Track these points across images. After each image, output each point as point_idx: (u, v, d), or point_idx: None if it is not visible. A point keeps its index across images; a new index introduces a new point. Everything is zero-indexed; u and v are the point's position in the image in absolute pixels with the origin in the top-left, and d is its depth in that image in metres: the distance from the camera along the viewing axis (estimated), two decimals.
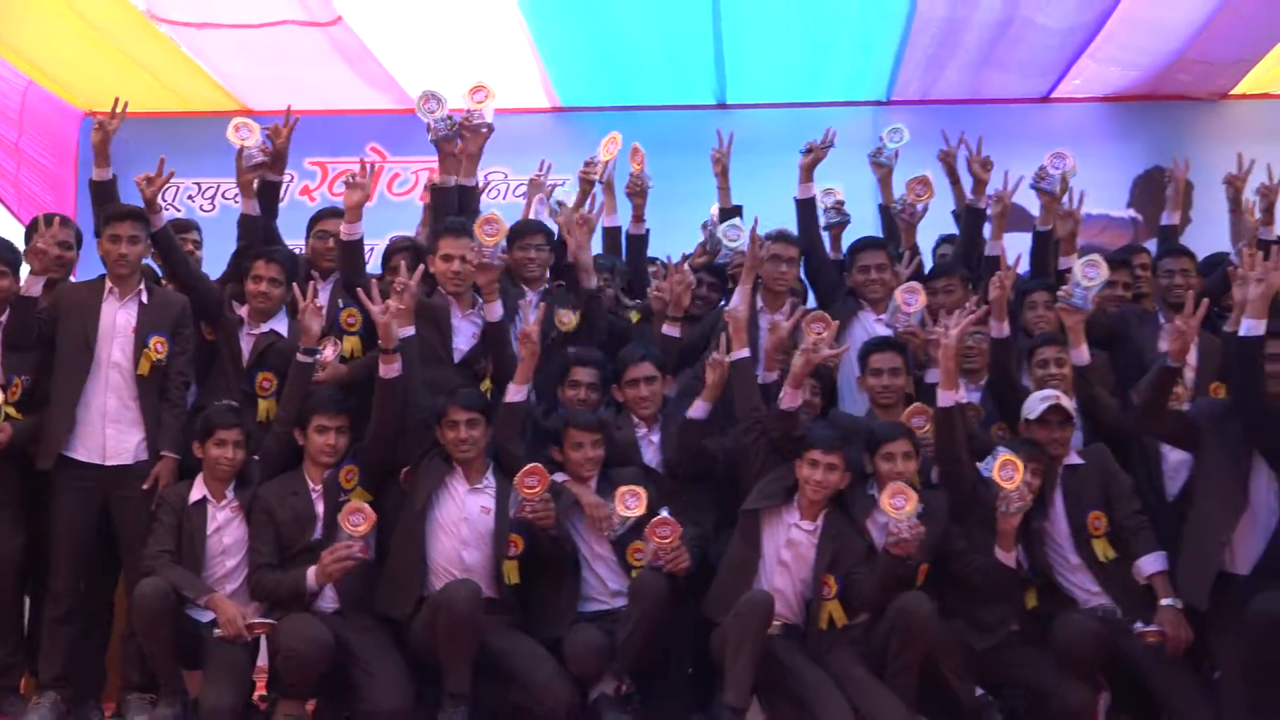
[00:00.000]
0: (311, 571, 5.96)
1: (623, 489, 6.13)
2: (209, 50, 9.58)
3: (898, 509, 5.78)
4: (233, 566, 6.18)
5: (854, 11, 9.12)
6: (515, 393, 6.37)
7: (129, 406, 6.34)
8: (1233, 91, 10.43)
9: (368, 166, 6.99)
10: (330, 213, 7.27)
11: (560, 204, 7.87)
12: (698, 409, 6.38)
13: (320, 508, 6.18)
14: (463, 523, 6.21)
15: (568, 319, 6.99)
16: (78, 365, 6.31)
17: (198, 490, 6.19)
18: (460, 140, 7.20)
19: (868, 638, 6.02)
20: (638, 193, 7.95)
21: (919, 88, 10.32)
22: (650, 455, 6.66)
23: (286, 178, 7.68)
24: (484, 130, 7.22)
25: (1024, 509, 5.94)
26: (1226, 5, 8.83)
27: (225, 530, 6.19)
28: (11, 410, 6.22)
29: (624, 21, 9.27)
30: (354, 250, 6.71)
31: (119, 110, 6.77)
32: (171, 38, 9.32)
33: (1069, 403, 6.29)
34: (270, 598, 6.08)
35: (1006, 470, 5.90)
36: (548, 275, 7.31)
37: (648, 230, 8.08)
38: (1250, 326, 5.81)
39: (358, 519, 5.91)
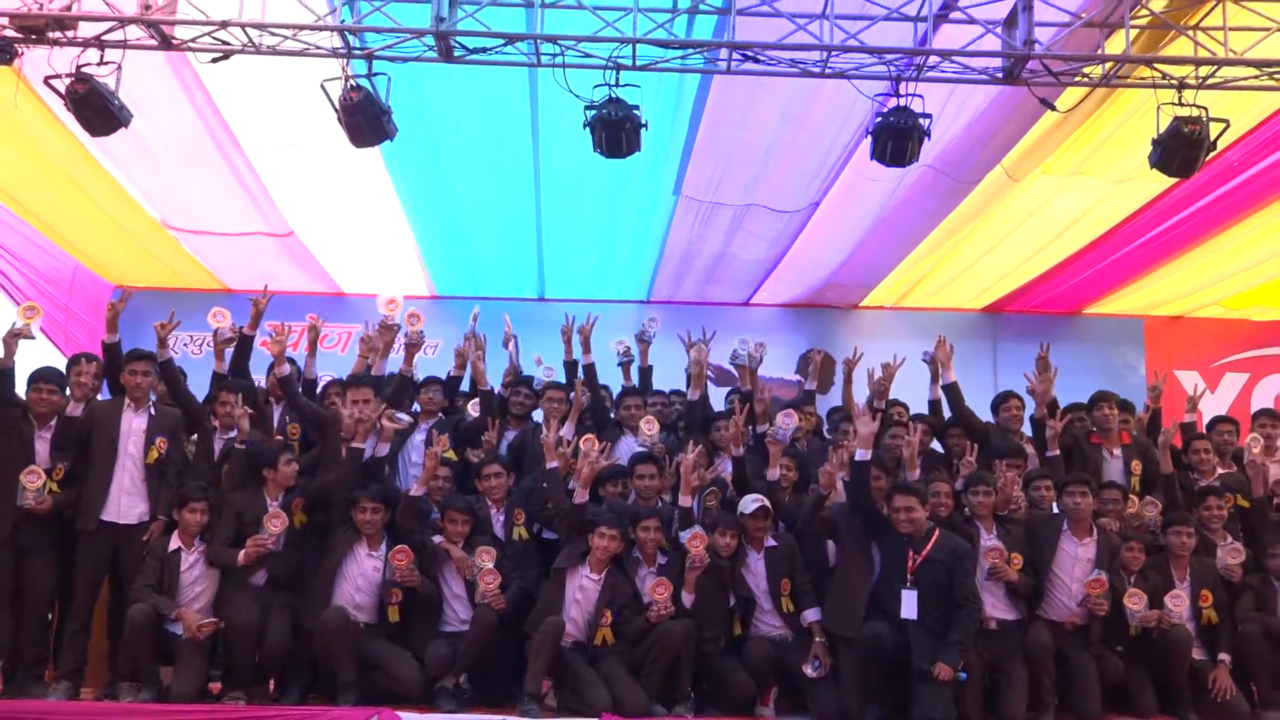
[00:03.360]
0: (241, 553, 5.98)
1: (480, 548, 6.15)
2: (202, 248, 9.40)
3: (660, 595, 5.93)
4: (199, 592, 6.05)
5: (627, 241, 9.24)
6: (416, 490, 6.33)
7: (137, 485, 6.23)
8: (860, 304, 10.70)
9: (284, 329, 6.77)
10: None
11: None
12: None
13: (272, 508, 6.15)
14: (360, 577, 6.18)
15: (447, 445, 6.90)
16: (106, 456, 6.19)
17: (174, 542, 6.06)
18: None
19: (632, 652, 6.03)
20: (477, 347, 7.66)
21: (668, 292, 10.40)
22: (498, 528, 6.57)
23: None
24: (395, 328, 7.19)
25: (702, 567, 6.01)
26: (856, 252, 9.22)
27: (194, 569, 6.06)
28: (54, 486, 6.08)
29: (479, 239, 9.29)
30: (287, 382, 6.61)
31: (123, 300, 6.78)
32: (176, 238, 9.16)
33: (768, 504, 6.33)
34: (217, 563, 6.07)
35: (695, 542, 5.99)
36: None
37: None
38: (861, 454, 6.06)
39: (276, 523, 5.98)
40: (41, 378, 6.25)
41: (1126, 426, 7.55)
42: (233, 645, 5.98)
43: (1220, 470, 7.32)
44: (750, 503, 6.31)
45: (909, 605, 5.87)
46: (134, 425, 6.28)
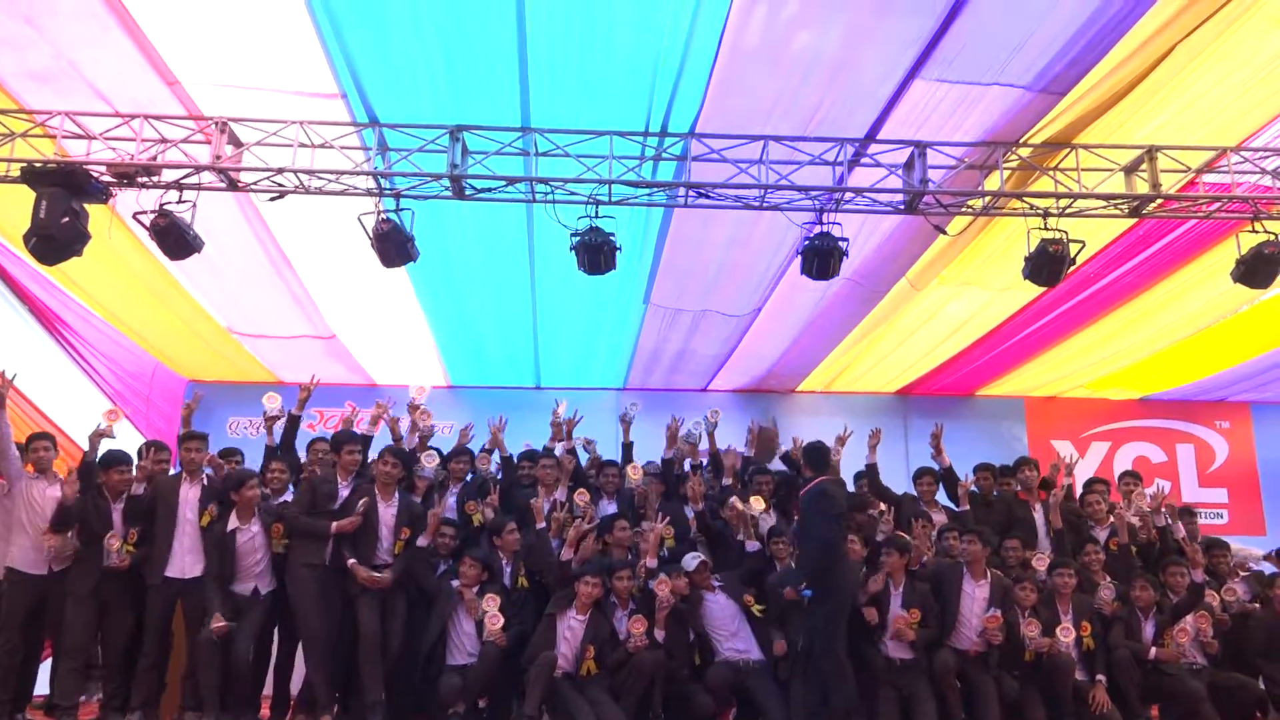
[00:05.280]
0: (334, 524, 5.95)
1: (489, 595, 6.01)
2: (260, 349, 9.32)
3: (637, 629, 5.82)
4: (257, 559, 6.03)
5: (606, 340, 9.20)
6: (422, 540, 6.23)
7: (196, 544, 6.06)
8: (797, 389, 10.66)
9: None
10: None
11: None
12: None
13: (343, 493, 6.12)
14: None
15: (474, 508, 6.71)
16: (169, 522, 6.06)
17: (231, 523, 5.99)
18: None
19: (612, 679, 5.91)
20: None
21: (640, 381, 10.33)
22: (507, 577, 6.41)
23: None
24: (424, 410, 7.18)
25: (669, 607, 5.93)
26: (791, 347, 9.23)
27: (250, 541, 6.02)
28: (130, 548, 5.97)
29: (486, 339, 9.23)
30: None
31: (195, 401, 6.88)
32: (240, 341, 9.09)
33: (706, 559, 6.30)
34: (300, 531, 5.99)
35: (661, 587, 5.94)
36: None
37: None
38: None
39: (360, 508, 5.96)
40: (116, 460, 6.14)
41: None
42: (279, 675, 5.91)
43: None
44: (691, 560, 6.31)
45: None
46: (189, 495, 6.15)
